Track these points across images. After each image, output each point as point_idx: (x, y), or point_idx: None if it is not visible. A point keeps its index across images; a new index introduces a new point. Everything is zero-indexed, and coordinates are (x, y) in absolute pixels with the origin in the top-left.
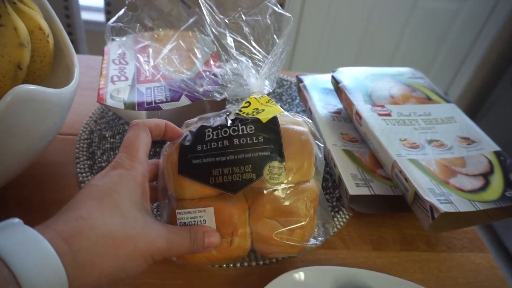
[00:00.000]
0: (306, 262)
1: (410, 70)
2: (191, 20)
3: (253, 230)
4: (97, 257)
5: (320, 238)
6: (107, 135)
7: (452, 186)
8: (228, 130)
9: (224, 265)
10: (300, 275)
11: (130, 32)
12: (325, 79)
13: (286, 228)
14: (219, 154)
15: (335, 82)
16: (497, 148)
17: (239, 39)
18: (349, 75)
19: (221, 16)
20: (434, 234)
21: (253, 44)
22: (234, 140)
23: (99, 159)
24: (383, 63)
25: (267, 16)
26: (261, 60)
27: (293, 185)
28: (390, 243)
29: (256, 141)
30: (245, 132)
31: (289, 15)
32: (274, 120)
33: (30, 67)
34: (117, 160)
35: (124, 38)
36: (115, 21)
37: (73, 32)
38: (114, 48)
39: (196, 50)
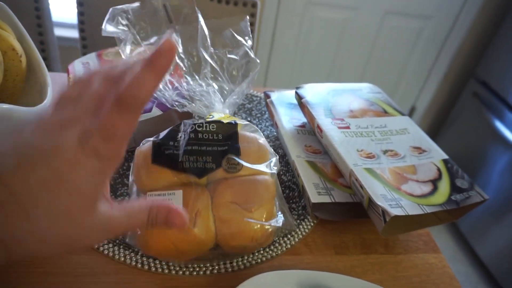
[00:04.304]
0: (272, 268)
1: (369, 85)
2: (155, 39)
3: (216, 215)
4: None
5: (280, 220)
6: None
7: (404, 191)
8: (194, 126)
9: (194, 273)
10: (265, 279)
11: (122, 32)
12: (291, 94)
13: (246, 209)
14: (187, 144)
15: (299, 97)
16: (446, 157)
17: (218, 69)
18: (312, 91)
19: (211, 48)
20: (388, 236)
21: (226, 75)
22: (199, 134)
23: None
24: (354, 79)
25: (242, 56)
26: (227, 90)
27: (251, 176)
28: (351, 247)
29: (217, 137)
30: (208, 129)
31: (258, 61)
32: (233, 122)
33: (2, 86)
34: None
35: (88, 55)
36: (119, 11)
37: (46, 49)
38: (78, 66)
39: None
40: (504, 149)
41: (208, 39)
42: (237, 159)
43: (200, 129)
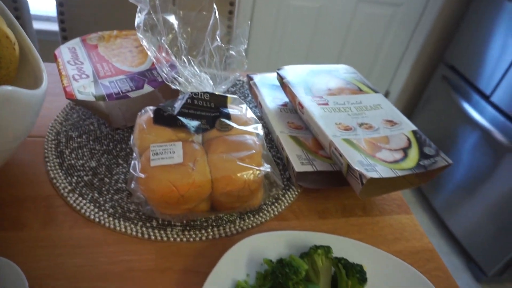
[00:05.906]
0: (262, 232)
1: (345, 66)
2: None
3: (211, 164)
4: None
5: (268, 167)
6: (73, 136)
7: (378, 158)
8: (191, 94)
9: (191, 239)
10: (255, 240)
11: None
12: (272, 76)
13: (237, 157)
14: (184, 107)
15: (280, 78)
16: (415, 128)
17: (217, 60)
18: (292, 72)
19: (219, 42)
20: (366, 198)
21: (221, 67)
22: (194, 101)
23: (68, 157)
24: (330, 63)
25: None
26: (218, 79)
27: (240, 134)
28: (333, 212)
29: (210, 105)
30: (202, 97)
31: (246, 60)
32: (224, 95)
33: None
34: None
35: (72, 41)
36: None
37: None
38: (64, 51)
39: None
40: (472, 128)
41: (218, 32)
42: (228, 121)
43: (196, 96)
